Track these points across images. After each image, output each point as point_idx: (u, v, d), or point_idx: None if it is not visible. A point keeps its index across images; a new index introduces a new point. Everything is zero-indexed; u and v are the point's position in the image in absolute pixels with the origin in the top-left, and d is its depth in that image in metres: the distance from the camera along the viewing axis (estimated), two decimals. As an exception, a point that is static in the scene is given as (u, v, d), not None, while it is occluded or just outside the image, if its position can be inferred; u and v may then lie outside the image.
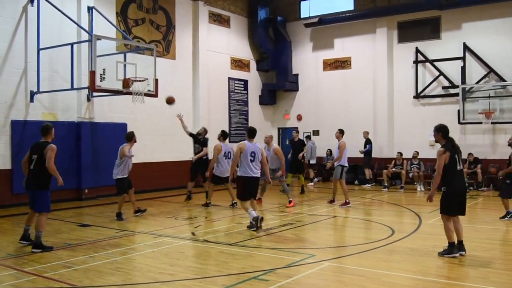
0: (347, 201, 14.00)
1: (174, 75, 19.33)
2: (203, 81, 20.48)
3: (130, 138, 12.30)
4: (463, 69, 19.32)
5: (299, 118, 23.77)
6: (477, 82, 19.15)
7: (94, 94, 15.71)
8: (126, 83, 14.26)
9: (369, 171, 20.16)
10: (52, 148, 8.66)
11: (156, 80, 14.92)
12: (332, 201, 14.59)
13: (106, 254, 8.40)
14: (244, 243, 9.14)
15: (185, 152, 19.83)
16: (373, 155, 20.44)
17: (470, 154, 18.38)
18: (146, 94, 14.59)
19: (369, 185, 19.73)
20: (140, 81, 14.45)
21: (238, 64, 22.95)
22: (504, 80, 18.54)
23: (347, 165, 14.32)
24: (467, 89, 19.17)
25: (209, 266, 7.63)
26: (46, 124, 9.03)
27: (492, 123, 18.52)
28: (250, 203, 10.63)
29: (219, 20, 22.00)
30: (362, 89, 21.93)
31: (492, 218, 12.07)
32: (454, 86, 19.56)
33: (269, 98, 24.17)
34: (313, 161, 20.74)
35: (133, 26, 18.06)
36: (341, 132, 14.42)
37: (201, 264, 7.83)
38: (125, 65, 15.12)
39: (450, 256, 7.84)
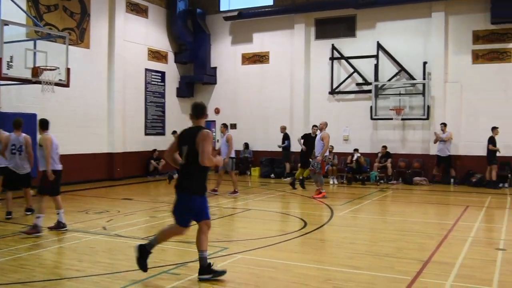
0: (236, 190, 15.30)
1: (88, 65, 18.67)
2: (118, 72, 19.92)
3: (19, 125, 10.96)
4: (376, 67, 19.96)
5: (217, 111, 23.69)
6: (389, 80, 19.85)
7: (1, 82, 14.90)
8: (36, 71, 13.61)
9: (289, 165, 20.47)
10: None
11: (68, 70, 14.35)
12: (235, 192, 15.24)
13: (10, 250, 7.98)
14: (157, 237, 8.98)
15: (98, 144, 19.37)
16: (290, 149, 20.73)
17: (384, 146, 19.07)
18: (57, 84, 14.00)
19: (289, 178, 19.98)
20: (50, 70, 13.84)
21: (156, 55, 22.53)
22: (413, 79, 19.33)
23: (235, 157, 16.19)
24: (379, 86, 19.84)
25: (119, 261, 7.41)
26: None
27: (402, 119, 19.27)
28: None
29: (136, 9, 21.47)
30: (280, 84, 22.16)
31: (400, 210, 12.55)
32: (367, 83, 20.18)
33: (186, 90, 23.89)
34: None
35: (45, 13, 17.25)
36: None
37: (110, 259, 7.58)
38: (35, 53, 14.34)
39: None
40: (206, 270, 6.42)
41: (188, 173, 6.37)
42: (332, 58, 21.03)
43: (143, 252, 6.47)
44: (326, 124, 14.86)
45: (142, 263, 6.47)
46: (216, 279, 6.32)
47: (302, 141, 17.49)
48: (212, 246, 8.05)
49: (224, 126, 15.99)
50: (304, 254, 7.86)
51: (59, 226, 9.61)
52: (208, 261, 6.51)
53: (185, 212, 6.38)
